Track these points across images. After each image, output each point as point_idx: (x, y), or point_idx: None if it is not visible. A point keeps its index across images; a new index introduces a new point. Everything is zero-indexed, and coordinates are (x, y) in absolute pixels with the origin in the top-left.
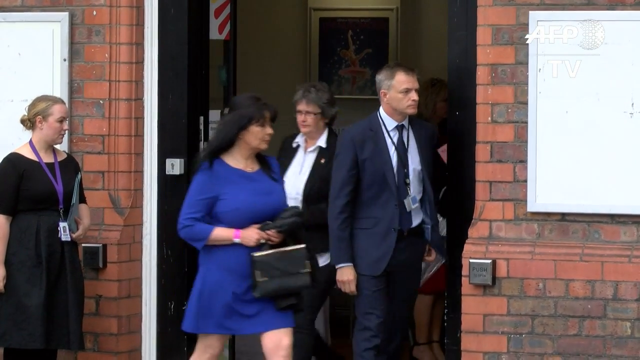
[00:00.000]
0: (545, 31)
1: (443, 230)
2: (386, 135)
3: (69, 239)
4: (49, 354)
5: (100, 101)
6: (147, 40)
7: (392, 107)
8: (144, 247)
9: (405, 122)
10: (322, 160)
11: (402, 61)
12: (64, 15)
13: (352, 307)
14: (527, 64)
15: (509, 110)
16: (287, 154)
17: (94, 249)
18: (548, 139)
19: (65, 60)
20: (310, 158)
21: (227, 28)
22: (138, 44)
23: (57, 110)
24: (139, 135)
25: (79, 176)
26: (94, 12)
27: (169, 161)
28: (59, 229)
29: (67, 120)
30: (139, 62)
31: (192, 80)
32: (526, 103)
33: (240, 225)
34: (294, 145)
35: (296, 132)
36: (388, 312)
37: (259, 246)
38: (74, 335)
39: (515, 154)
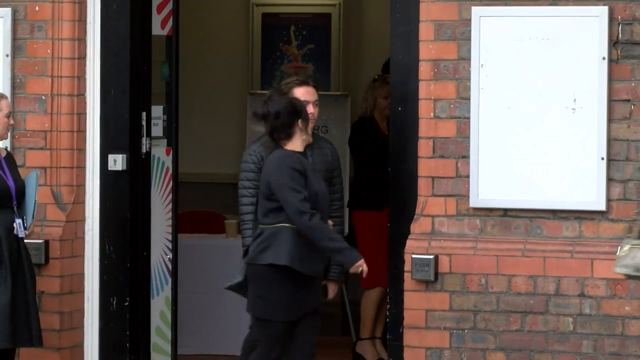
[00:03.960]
0: (488, 27)
1: None
2: None
3: (24, 236)
4: (7, 353)
5: (43, 97)
6: (90, 36)
7: None
8: (86, 243)
9: None
10: None
11: (344, 57)
12: (7, 11)
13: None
14: (469, 59)
15: (452, 105)
16: None
17: (37, 245)
18: (490, 135)
19: (7, 55)
20: None
21: (170, 24)
22: (80, 40)
23: (5, 105)
24: (81, 131)
25: (38, 172)
26: (37, 8)
27: (111, 157)
28: (14, 225)
29: (12, 115)
30: (82, 57)
31: (134, 76)
32: (468, 98)
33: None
34: None
35: None
36: None
37: None
38: (35, 331)
39: (458, 149)
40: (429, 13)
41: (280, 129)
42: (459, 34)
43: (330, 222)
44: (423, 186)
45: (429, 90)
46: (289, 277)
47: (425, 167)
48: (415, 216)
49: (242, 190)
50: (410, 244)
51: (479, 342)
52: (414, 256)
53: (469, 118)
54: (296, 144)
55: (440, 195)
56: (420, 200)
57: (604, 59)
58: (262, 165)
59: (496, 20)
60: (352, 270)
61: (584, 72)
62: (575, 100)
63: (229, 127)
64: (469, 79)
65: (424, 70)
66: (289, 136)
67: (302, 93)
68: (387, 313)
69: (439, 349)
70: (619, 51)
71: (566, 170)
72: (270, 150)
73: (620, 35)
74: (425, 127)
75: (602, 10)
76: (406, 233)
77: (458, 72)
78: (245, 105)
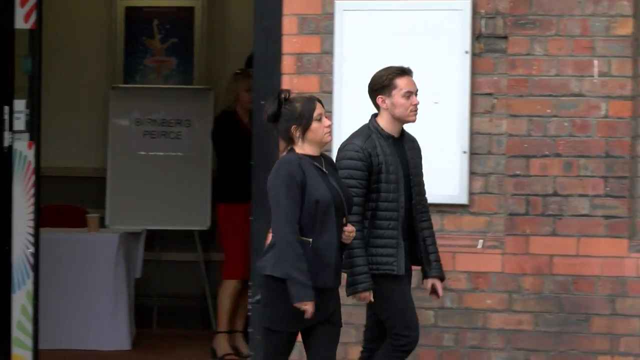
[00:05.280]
0: (351, 21)
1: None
2: None
3: None
4: None
5: None
6: None
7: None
8: None
9: None
10: None
11: (208, 51)
12: None
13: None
14: (332, 53)
15: None
16: None
17: None
18: (353, 129)
19: None
20: None
21: (33, 17)
22: None
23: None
24: None
25: None
26: None
27: None
28: None
29: None
30: None
31: None
32: (331, 93)
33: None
34: None
35: None
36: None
37: None
38: None
39: None
40: (292, 7)
41: (282, 133)
42: (322, 27)
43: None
44: None
45: (292, 84)
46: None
47: None
48: None
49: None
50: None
51: (341, 336)
52: None
53: (331, 112)
54: (306, 148)
55: None
56: None
57: (466, 52)
58: (370, 162)
59: (359, 14)
60: (295, 305)
61: (448, 66)
62: (438, 94)
63: (92, 121)
64: (331, 73)
65: (287, 64)
66: (291, 140)
67: (405, 83)
68: (249, 307)
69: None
70: (481, 45)
71: (429, 164)
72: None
73: (483, 29)
74: None
75: (465, 4)
76: (268, 227)
77: (321, 66)
78: (108, 99)
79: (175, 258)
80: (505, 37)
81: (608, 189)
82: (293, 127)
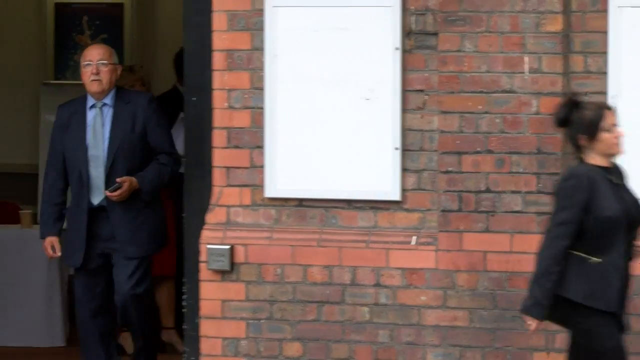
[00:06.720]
0: (281, 16)
1: None
2: None
3: None
4: None
5: None
6: None
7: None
8: None
9: None
10: None
11: (138, 47)
12: None
13: None
14: (263, 50)
15: (245, 96)
16: None
17: None
18: (285, 125)
19: None
20: None
21: None
22: None
23: None
24: None
25: None
26: None
27: None
28: None
29: None
30: None
31: None
32: (262, 89)
33: None
34: None
35: None
36: None
37: None
38: None
39: (252, 139)
40: (222, 3)
41: (570, 140)
42: (253, 24)
43: None
44: (218, 176)
45: (223, 81)
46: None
47: (220, 157)
48: (210, 206)
49: None
50: (205, 234)
51: (276, 332)
52: (209, 246)
53: (263, 108)
54: (596, 158)
55: (235, 186)
56: (216, 190)
57: (397, 49)
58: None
59: (290, 10)
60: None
61: (379, 63)
62: (370, 90)
63: (23, 118)
64: (262, 69)
65: (218, 60)
66: (579, 149)
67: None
68: (184, 303)
69: (236, 339)
70: (412, 41)
71: (361, 160)
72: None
73: (413, 25)
74: (219, 118)
75: (395, 1)
76: (201, 223)
77: (252, 62)
78: (38, 95)
79: None
80: (435, 34)
81: (540, 185)
82: (580, 136)
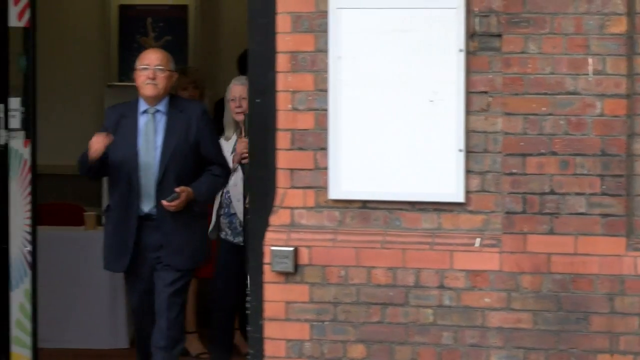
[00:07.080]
0: (345, 18)
1: None
2: None
3: None
4: None
5: None
6: None
7: None
8: None
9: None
10: None
11: (202, 49)
12: None
13: None
14: (327, 51)
15: (309, 97)
16: None
17: None
18: (349, 127)
19: None
20: None
21: (27, 15)
22: None
23: None
24: None
25: None
26: None
27: None
28: None
29: None
30: None
31: None
32: (326, 91)
33: None
34: None
35: None
36: None
37: None
38: None
39: (316, 141)
40: (286, 5)
41: None
42: (317, 25)
43: None
44: (282, 178)
45: (287, 82)
46: None
47: (284, 159)
48: (274, 208)
49: None
50: (269, 236)
51: (340, 334)
52: (273, 248)
53: (326, 110)
54: None
55: (299, 187)
56: (279, 192)
57: (461, 51)
58: None
59: (354, 12)
60: None
61: (443, 64)
62: (434, 92)
63: (87, 119)
64: (326, 71)
65: (281, 62)
66: None
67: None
68: (247, 305)
69: (300, 341)
70: (476, 43)
71: (425, 162)
72: None
73: (477, 27)
74: (283, 119)
75: (460, 2)
76: (265, 225)
77: (316, 64)
78: (102, 97)
79: None
80: (499, 36)
81: (604, 187)
82: None
